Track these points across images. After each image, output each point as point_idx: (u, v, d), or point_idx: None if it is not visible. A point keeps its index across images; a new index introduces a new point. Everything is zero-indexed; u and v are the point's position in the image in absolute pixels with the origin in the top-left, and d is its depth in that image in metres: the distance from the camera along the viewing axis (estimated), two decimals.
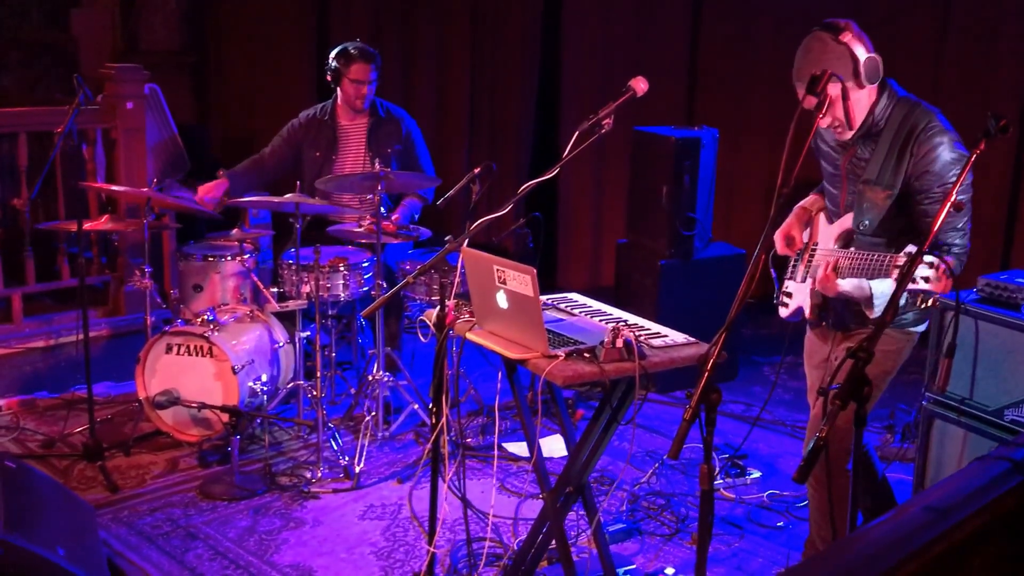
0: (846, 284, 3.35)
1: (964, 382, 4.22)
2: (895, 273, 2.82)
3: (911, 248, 2.78)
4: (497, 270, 3.22)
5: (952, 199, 2.65)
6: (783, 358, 4.02)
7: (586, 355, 3.18)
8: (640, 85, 3.48)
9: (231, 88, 9.39)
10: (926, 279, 2.70)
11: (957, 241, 3.34)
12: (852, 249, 3.42)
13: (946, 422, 4.34)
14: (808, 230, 3.76)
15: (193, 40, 9.50)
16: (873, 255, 3.21)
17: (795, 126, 2.70)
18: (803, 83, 3.31)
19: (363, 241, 5.30)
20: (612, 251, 6.70)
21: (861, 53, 3.33)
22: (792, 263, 3.83)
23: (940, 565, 1.21)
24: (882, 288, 3.35)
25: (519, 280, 3.13)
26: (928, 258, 2.69)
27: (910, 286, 2.70)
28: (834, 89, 3.32)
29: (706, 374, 2.44)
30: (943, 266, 2.69)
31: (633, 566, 3.95)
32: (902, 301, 3.38)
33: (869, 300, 3.37)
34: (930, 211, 3.32)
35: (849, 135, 3.45)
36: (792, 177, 2.61)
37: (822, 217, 3.73)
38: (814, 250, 3.70)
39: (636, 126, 6.10)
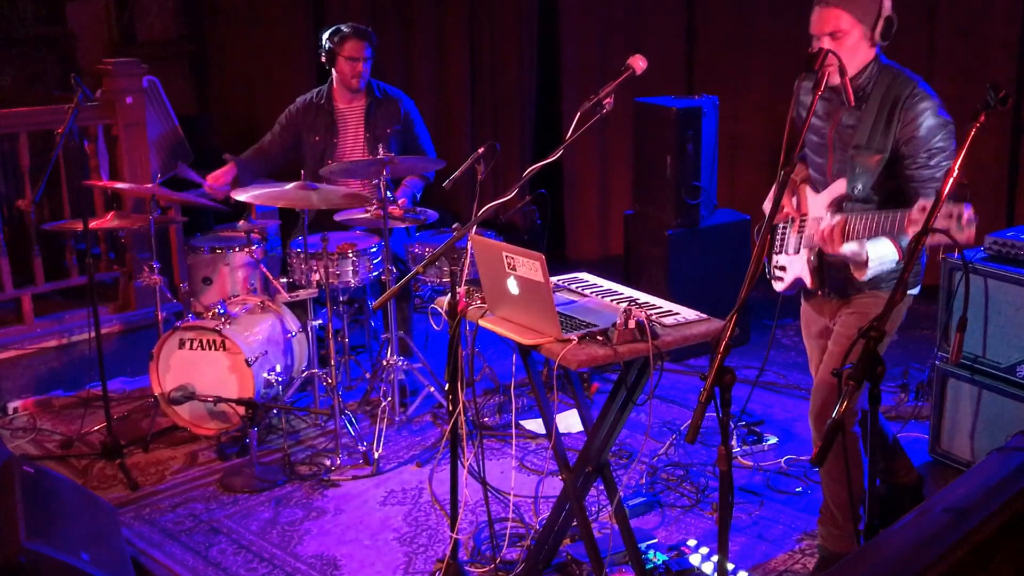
0: (847, 247, 3.34)
1: (976, 340, 4.24)
2: (912, 229, 2.77)
3: (925, 202, 2.74)
4: (506, 257, 3.21)
5: (955, 175, 2.62)
6: (775, 322, 3.99)
7: (599, 338, 3.19)
8: (639, 63, 3.46)
9: (231, 76, 9.34)
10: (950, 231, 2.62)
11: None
12: (858, 212, 3.39)
13: (959, 380, 4.36)
14: (795, 200, 3.74)
15: (190, 29, 9.45)
16: (885, 214, 3.19)
17: (795, 105, 2.69)
18: (822, 5, 3.34)
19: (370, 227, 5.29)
20: (620, 221, 6.70)
21: (886, 9, 3.35)
22: (780, 236, 3.81)
23: (964, 566, 1.21)
24: (879, 252, 3.36)
25: (528, 266, 3.13)
26: (950, 207, 2.61)
27: (931, 240, 2.64)
28: (848, 24, 3.32)
29: (719, 356, 2.44)
30: (967, 215, 2.59)
31: (655, 540, 3.96)
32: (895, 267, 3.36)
33: (864, 263, 3.37)
34: (915, 175, 3.36)
35: (837, 80, 3.31)
36: (794, 155, 2.61)
37: (807, 188, 3.71)
38: (804, 220, 3.69)
39: (637, 97, 6.07)
